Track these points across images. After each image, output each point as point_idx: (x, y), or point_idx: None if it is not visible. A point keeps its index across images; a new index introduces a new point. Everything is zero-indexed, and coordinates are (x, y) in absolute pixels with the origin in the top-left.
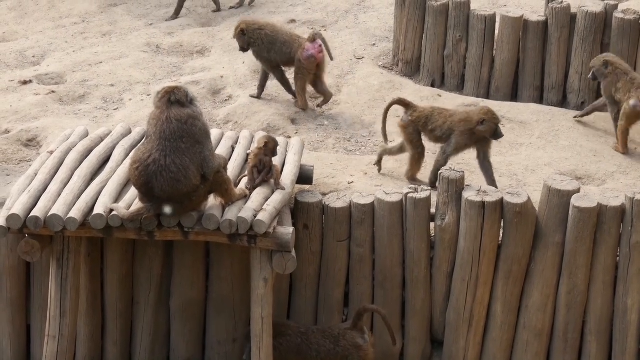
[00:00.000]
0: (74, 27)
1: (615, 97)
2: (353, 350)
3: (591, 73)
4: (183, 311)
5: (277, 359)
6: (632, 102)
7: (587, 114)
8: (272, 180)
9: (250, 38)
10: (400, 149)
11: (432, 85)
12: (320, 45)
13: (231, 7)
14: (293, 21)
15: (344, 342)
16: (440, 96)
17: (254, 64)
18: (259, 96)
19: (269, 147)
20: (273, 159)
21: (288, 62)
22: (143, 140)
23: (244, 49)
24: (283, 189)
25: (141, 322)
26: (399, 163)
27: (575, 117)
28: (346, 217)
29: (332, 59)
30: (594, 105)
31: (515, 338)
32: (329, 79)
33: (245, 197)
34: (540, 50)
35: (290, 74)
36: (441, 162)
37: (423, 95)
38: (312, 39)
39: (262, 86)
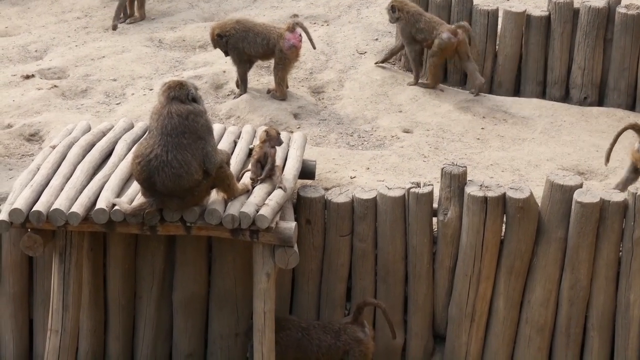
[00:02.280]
0: (76, 22)
1: (416, 37)
2: (354, 344)
3: (389, 19)
4: (185, 306)
5: (278, 353)
6: (444, 35)
7: (386, 59)
8: (275, 178)
9: (225, 35)
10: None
11: None
12: (300, 35)
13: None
14: (295, 15)
15: (345, 336)
16: (442, 91)
17: None
18: (244, 91)
19: (272, 136)
20: (276, 155)
21: (265, 54)
22: (145, 135)
23: (226, 52)
24: (285, 190)
25: (143, 317)
26: (402, 158)
27: (376, 63)
28: (348, 212)
29: (314, 47)
30: (391, 50)
31: (517, 333)
32: (331, 74)
33: (248, 192)
34: (543, 45)
35: (267, 65)
36: None
37: (425, 91)
38: (292, 28)
39: (243, 82)
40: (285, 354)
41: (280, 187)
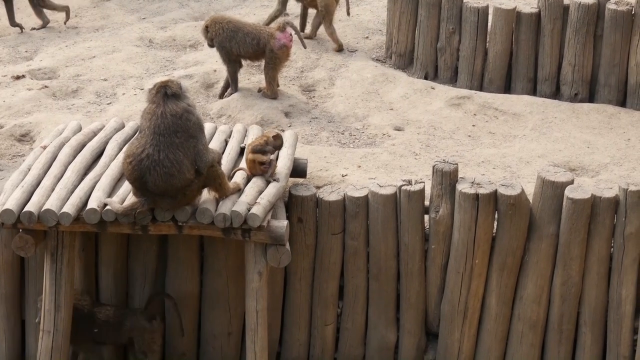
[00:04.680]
0: (66, 22)
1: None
2: (137, 332)
3: None
4: (178, 305)
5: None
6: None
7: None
8: (268, 174)
9: (212, 31)
10: None
11: (426, 78)
12: (291, 34)
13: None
14: (286, 14)
15: (129, 322)
16: (433, 89)
17: None
18: (235, 90)
19: (278, 144)
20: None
21: (255, 54)
22: (136, 135)
23: (210, 45)
24: (277, 180)
25: None
26: (393, 155)
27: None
28: (340, 210)
29: (304, 47)
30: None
31: (510, 330)
32: (321, 72)
33: (239, 191)
34: (534, 42)
35: (258, 64)
36: None
37: (416, 88)
38: (282, 28)
39: (234, 81)
40: (72, 332)
41: (274, 180)
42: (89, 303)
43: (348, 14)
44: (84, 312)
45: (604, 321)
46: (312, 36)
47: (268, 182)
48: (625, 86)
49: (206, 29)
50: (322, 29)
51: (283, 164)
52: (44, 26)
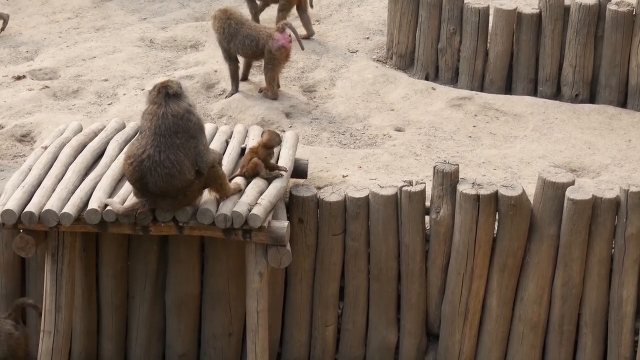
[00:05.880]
0: (67, 22)
1: None
2: (3, 336)
3: None
4: (178, 306)
5: None
6: None
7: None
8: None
9: (215, 27)
10: None
11: (426, 79)
12: (289, 35)
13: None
14: None
15: None
16: (434, 89)
17: None
18: (236, 90)
19: (276, 141)
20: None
21: (254, 54)
22: (137, 135)
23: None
24: (281, 175)
25: (136, 317)
26: (394, 156)
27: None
28: (341, 211)
29: (302, 48)
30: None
31: (510, 331)
32: (322, 73)
33: (240, 192)
34: (534, 43)
35: (259, 64)
36: None
37: (417, 89)
38: (282, 29)
39: (234, 80)
40: None
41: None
42: None
43: (311, 5)
44: None
45: (605, 322)
46: (309, 35)
47: (269, 183)
48: (626, 87)
49: (213, 20)
50: (320, 27)
51: (284, 164)
52: (5, 20)
